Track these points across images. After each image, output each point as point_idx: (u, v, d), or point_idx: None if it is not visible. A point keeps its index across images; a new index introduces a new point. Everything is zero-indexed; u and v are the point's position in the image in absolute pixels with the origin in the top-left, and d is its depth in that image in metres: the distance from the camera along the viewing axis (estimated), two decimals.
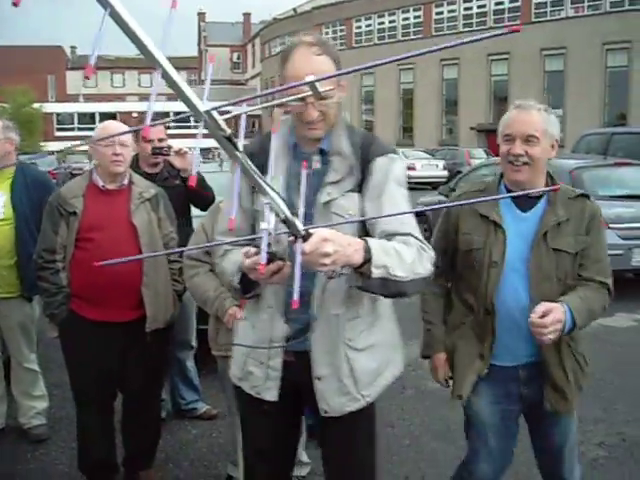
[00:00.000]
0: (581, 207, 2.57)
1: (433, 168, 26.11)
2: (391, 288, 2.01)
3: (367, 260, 1.92)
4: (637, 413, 4.84)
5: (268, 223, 1.57)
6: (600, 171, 8.64)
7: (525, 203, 2.60)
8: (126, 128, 3.36)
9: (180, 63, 69.49)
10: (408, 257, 2.03)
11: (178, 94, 1.27)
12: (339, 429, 2.30)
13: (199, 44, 78.10)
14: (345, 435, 2.32)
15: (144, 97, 61.40)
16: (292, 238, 1.72)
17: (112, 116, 40.79)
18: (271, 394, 2.28)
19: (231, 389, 2.68)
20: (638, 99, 30.44)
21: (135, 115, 38.15)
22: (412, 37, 41.35)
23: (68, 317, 3.39)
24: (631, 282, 9.07)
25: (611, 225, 7.92)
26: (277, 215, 1.61)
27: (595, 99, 32.58)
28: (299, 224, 1.68)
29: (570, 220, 2.54)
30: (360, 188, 2.20)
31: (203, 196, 4.35)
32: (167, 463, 4.12)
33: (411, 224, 2.15)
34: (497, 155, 2.60)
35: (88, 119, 55.59)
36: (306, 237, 1.72)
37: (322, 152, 2.22)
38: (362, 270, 1.93)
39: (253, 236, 2.00)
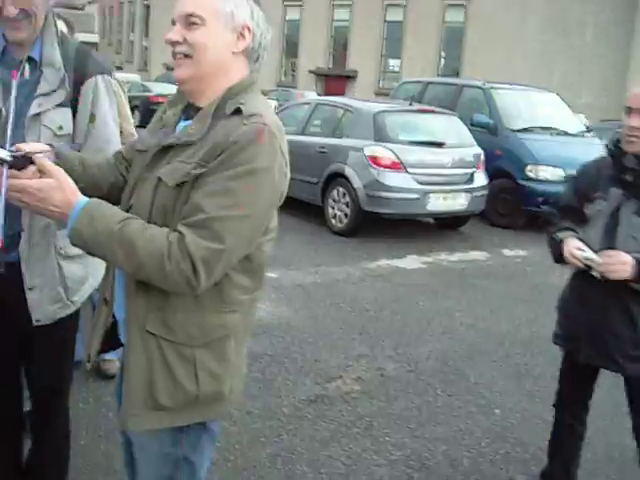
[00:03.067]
0: (230, 128, 1.62)
1: None
2: None
3: None
4: (400, 349, 4.99)
5: None
6: (403, 116, 8.72)
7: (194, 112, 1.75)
8: None
9: None
10: None
11: None
12: (51, 335, 2.30)
13: None
14: (56, 341, 2.35)
15: None
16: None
17: None
18: None
19: None
20: (471, 56, 31.46)
21: None
22: None
23: None
24: (426, 226, 9.41)
25: (409, 169, 8.13)
26: None
27: (431, 53, 33.39)
28: (2, 152, 1.57)
29: (199, 145, 1.64)
30: (73, 104, 2.18)
31: None
32: None
33: (116, 140, 2.30)
34: None
35: None
36: (17, 163, 1.57)
37: (32, 61, 2.14)
38: None
39: None
